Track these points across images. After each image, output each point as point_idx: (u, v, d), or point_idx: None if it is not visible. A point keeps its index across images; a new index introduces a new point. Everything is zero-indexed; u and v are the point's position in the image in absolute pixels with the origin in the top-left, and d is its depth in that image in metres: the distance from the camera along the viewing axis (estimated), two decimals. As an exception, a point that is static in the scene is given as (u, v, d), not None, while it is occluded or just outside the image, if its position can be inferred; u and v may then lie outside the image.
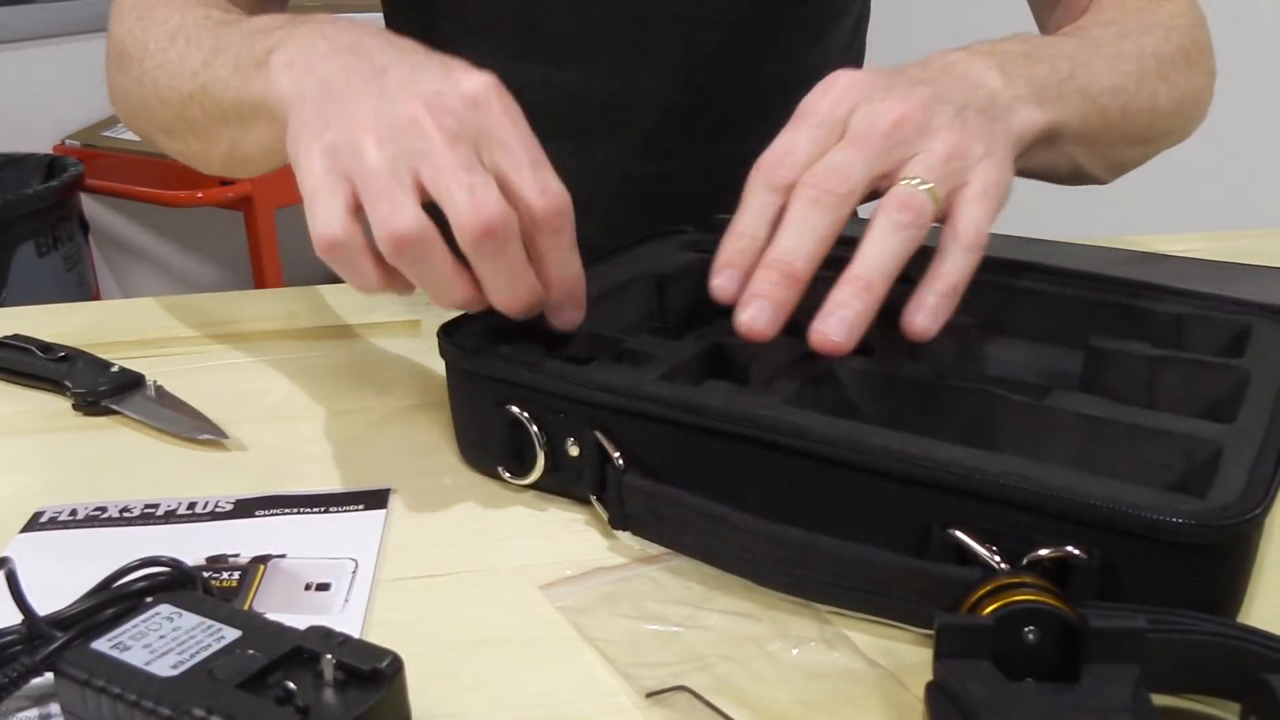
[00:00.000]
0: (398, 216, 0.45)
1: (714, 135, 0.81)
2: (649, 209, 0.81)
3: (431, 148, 0.46)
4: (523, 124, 0.48)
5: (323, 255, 0.47)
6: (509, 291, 0.48)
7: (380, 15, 0.86)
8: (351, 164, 0.46)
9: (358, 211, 0.47)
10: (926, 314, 0.46)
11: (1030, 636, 0.35)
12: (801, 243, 0.45)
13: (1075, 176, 0.63)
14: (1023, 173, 0.57)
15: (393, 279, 0.48)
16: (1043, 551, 0.39)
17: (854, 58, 0.90)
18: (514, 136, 0.47)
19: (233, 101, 0.57)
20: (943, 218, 0.47)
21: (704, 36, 0.77)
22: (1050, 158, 0.58)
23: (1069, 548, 0.38)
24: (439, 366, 0.53)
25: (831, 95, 0.49)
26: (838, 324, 0.43)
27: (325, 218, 0.46)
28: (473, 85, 0.48)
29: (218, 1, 0.68)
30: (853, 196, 0.46)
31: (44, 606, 0.38)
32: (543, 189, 0.47)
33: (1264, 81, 2.14)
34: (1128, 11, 0.68)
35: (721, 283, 0.47)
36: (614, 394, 0.47)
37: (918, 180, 0.46)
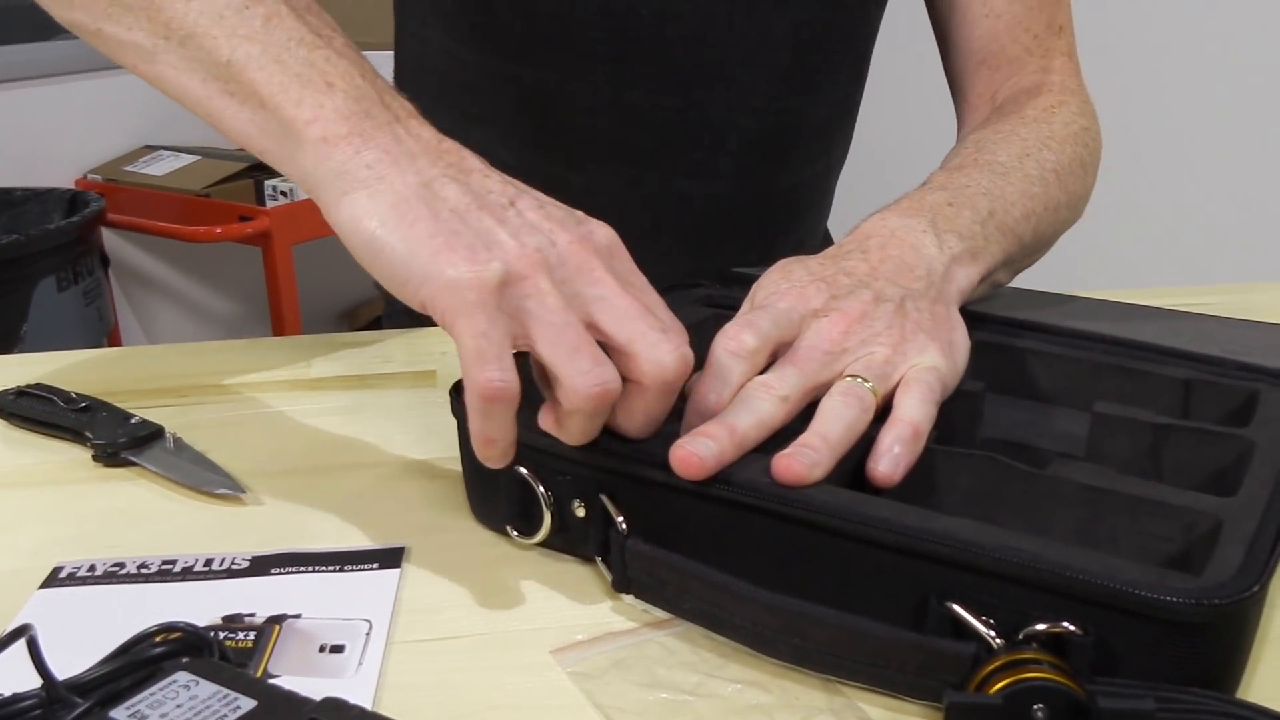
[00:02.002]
0: (609, 371, 0.45)
1: (764, 160, 0.84)
2: (699, 231, 0.84)
3: (609, 292, 0.47)
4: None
5: (482, 401, 0.45)
6: (639, 430, 0.48)
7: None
8: (528, 305, 0.45)
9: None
10: (891, 460, 0.48)
11: (1039, 715, 0.36)
12: (748, 417, 0.47)
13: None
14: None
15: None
16: (1039, 626, 0.39)
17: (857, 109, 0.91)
18: (646, 284, 0.49)
19: (230, 69, 0.49)
20: (886, 403, 0.51)
21: (764, 60, 0.79)
22: (982, 291, 0.63)
23: (1064, 623, 0.39)
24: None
25: (789, 298, 0.53)
26: (801, 455, 0.45)
27: (499, 367, 0.44)
28: (607, 233, 0.49)
29: None
30: (790, 402, 0.49)
31: (63, 665, 0.39)
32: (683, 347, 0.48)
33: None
34: (1026, 120, 0.73)
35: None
36: (617, 459, 0.47)
37: (859, 379, 0.50)
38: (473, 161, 0.50)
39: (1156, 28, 2.17)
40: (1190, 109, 2.17)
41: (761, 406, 0.48)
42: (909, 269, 0.56)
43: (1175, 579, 0.38)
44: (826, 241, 0.96)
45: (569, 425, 0.47)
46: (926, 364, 0.52)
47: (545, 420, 0.48)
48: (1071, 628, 0.38)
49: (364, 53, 0.53)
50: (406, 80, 0.87)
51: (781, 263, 0.57)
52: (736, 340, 0.50)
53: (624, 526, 0.47)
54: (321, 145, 0.47)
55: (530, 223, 0.48)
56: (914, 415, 0.49)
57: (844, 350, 0.51)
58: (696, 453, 0.45)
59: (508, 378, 0.44)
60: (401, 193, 0.46)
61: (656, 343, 0.46)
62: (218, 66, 0.50)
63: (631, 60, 0.78)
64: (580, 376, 0.44)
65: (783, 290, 0.54)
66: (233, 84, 0.50)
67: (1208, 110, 2.16)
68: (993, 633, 0.39)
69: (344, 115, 0.48)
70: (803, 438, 0.47)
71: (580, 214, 0.50)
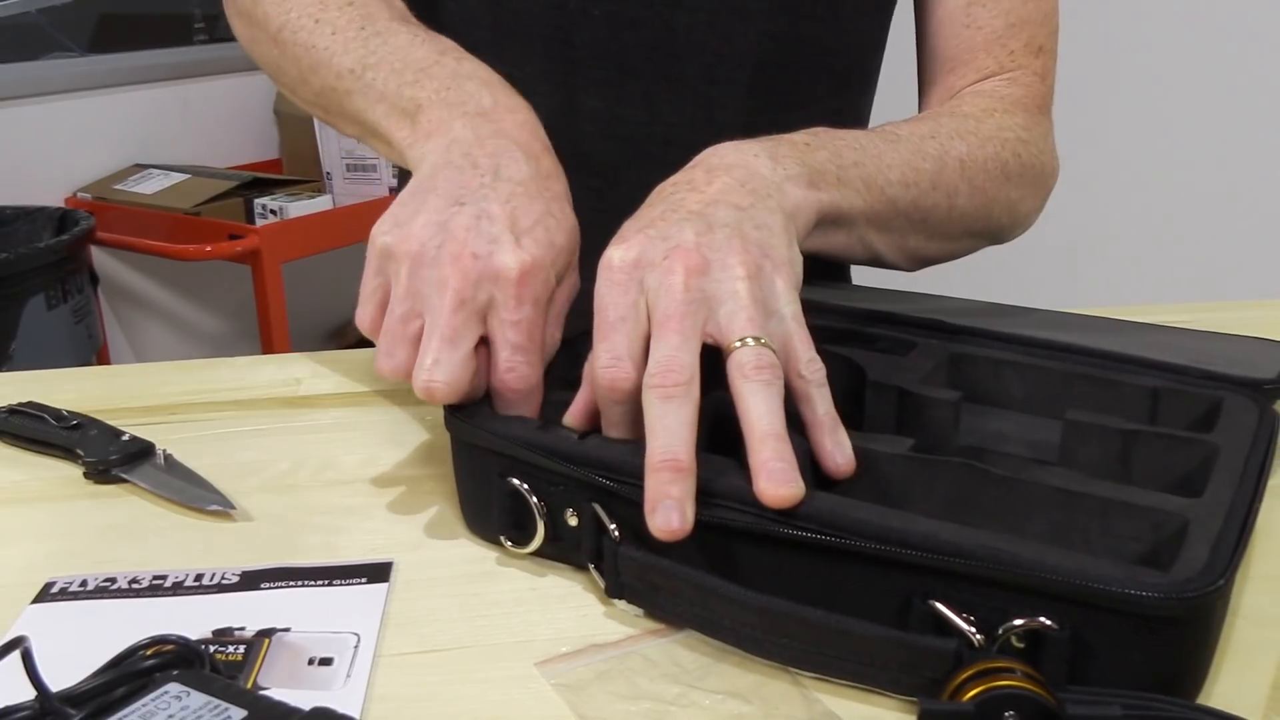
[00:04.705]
0: (389, 361, 0.54)
1: None
2: None
3: (440, 306, 0.53)
4: (529, 307, 0.54)
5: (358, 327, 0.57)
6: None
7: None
8: (391, 279, 0.56)
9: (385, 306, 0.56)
10: (841, 451, 0.50)
11: (1010, 722, 0.37)
12: (676, 436, 0.46)
13: (876, 261, 0.68)
14: (820, 253, 0.61)
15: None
16: (1017, 622, 0.40)
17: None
18: (512, 315, 0.53)
19: (371, 123, 0.65)
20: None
21: (728, 73, 0.78)
22: (844, 241, 0.62)
23: (1041, 619, 0.40)
24: (444, 432, 0.55)
25: (616, 282, 0.51)
26: (780, 474, 0.45)
27: (361, 311, 0.57)
28: (507, 260, 0.53)
29: None
30: (695, 380, 0.48)
31: (55, 679, 0.39)
32: (510, 369, 0.54)
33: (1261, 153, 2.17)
34: (956, 116, 0.73)
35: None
36: (607, 471, 0.48)
37: (750, 339, 0.48)
38: (493, 143, 0.58)
39: (1140, 56, 2.19)
40: (1166, 131, 2.19)
41: (681, 412, 0.47)
42: (739, 186, 0.54)
43: (1145, 575, 0.40)
44: (822, 266, 0.96)
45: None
46: (794, 307, 0.51)
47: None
48: (1047, 623, 0.40)
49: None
50: None
51: (610, 244, 0.53)
52: (615, 391, 0.50)
53: (616, 534, 0.48)
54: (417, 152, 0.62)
55: (450, 229, 0.54)
56: (825, 408, 0.50)
57: (705, 296, 0.49)
58: (670, 527, 0.44)
59: (369, 329, 0.57)
60: (413, 183, 0.58)
61: (423, 366, 0.52)
62: (366, 123, 0.67)
63: (585, 62, 0.77)
64: (377, 355, 0.55)
65: (615, 295, 0.51)
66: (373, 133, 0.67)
67: (1182, 133, 2.18)
68: (973, 629, 0.41)
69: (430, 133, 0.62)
70: (761, 452, 0.46)
71: (524, 230, 0.54)
